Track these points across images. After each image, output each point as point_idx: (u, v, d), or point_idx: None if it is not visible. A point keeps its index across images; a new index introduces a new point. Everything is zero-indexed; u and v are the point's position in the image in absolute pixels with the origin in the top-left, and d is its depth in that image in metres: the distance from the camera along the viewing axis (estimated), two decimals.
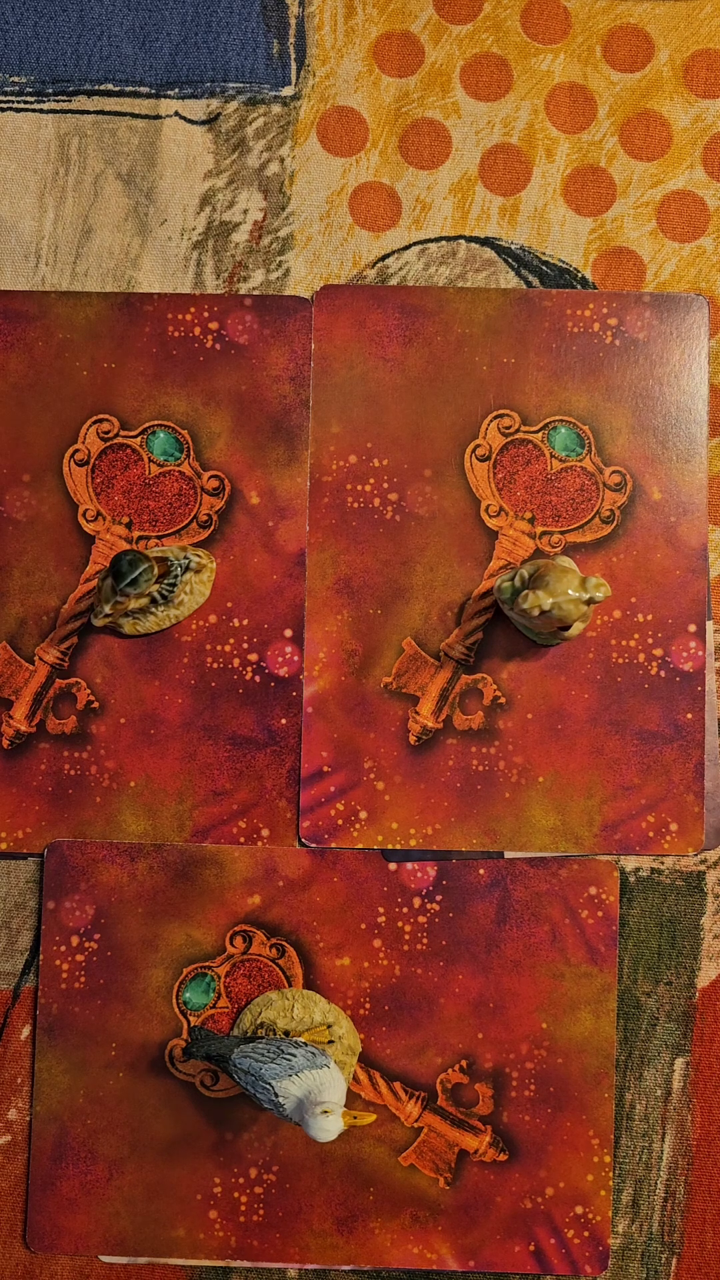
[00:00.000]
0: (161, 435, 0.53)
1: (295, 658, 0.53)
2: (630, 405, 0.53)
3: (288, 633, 0.53)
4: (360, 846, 0.52)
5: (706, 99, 0.53)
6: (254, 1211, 0.52)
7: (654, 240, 0.53)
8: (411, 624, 0.53)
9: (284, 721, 0.53)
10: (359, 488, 0.53)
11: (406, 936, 0.52)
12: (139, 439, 0.53)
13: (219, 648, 0.53)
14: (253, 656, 0.53)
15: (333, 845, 0.52)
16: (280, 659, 0.53)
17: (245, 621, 0.53)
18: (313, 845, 0.52)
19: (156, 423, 0.53)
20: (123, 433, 0.53)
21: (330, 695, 0.52)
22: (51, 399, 0.53)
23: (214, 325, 0.53)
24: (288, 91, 0.54)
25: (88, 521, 0.53)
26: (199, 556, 0.52)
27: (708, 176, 0.53)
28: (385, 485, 0.53)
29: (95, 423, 0.53)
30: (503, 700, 0.53)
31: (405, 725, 0.53)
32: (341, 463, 0.53)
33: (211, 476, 0.53)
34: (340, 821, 0.52)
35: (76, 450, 0.53)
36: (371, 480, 0.53)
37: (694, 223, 0.53)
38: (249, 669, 0.53)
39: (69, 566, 0.53)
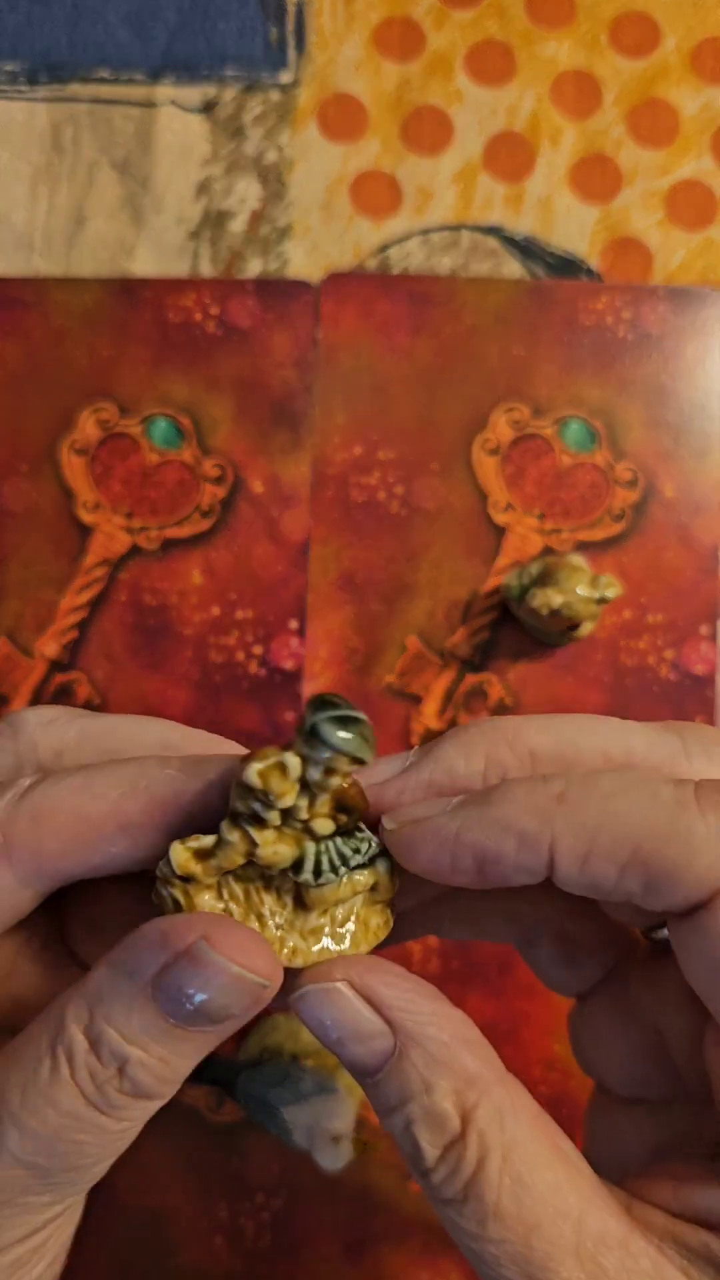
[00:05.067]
0: (162, 422, 0.52)
1: (301, 650, 0.51)
2: (643, 400, 0.52)
3: (293, 624, 0.51)
4: None
5: (715, 86, 0.53)
6: (261, 1238, 0.50)
7: (661, 230, 0.52)
8: (416, 621, 0.51)
9: (289, 716, 0.51)
10: (363, 480, 0.52)
11: (418, 958, 0.51)
12: (139, 427, 0.52)
13: (222, 640, 0.51)
14: (257, 649, 0.51)
15: None
16: (285, 651, 0.51)
17: (249, 613, 0.51)
18: None
19: (156, 410, 0.52)
20: (122, 420, 0.52)
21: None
22: (49, 387, 0.52)
23: (215, 310, 0.52)
24: (286, 78, 0.53)
25: (87, 511, 0.52)
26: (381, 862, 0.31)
27: (716, 165, 0.53)
28: (390, 478, 0.52)
29: (94, 411, 0.52)
30: (509, 701, 0.51)
31: (407, 725, 0.51)
32: (345, 454, 0.52)
33: (214, 464, 0.52)
34: None
35: (75, 439, 0.52)
36: (376, 473, 0.52)
37: (702, 212, 0.53)
38: (253, 662, 0.51)
39: (67, 558, 0.51)
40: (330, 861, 0.27)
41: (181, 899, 0.27)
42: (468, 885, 0.26)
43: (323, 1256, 0.50)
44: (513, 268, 0.52)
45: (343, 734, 0.25)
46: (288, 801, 0.26)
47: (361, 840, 0.28)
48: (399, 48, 0.53)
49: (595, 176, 0.53)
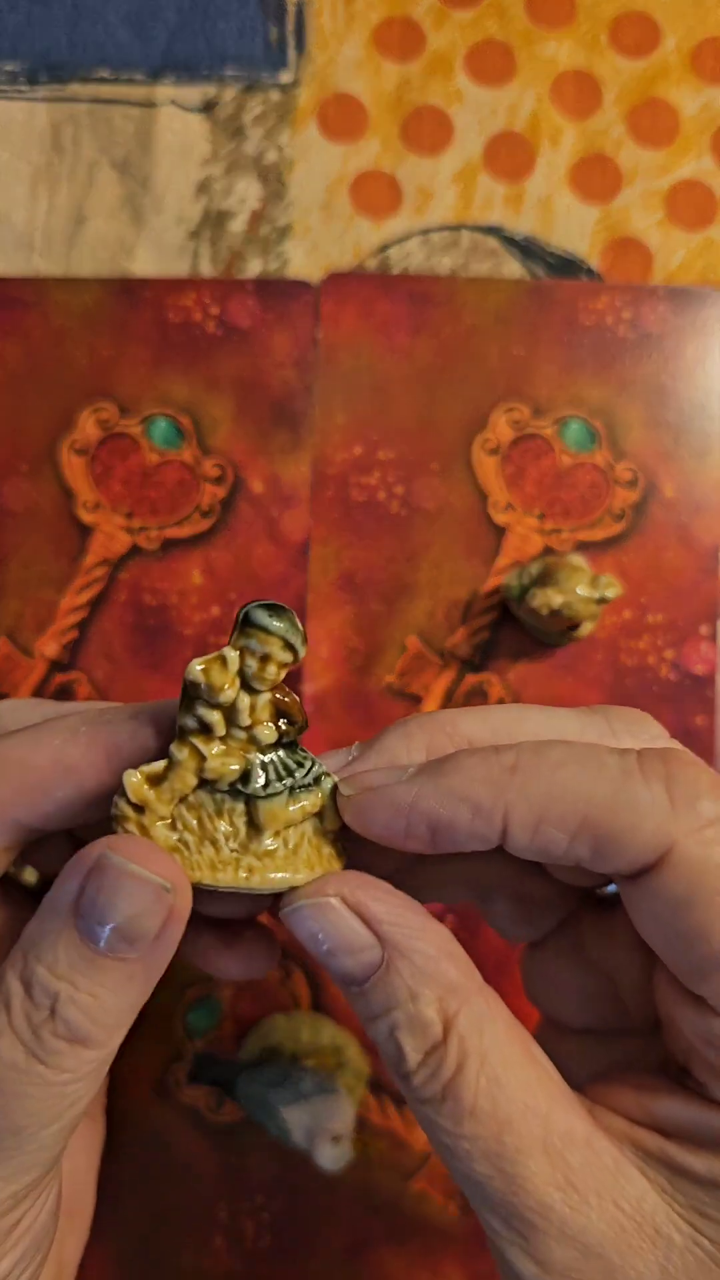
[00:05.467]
0: (162, 422, 0.52)
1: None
2: (643, 400, 0.52)
3: None
4: None
5: (715, 86, 0.53)
6: (261, 1239, 0.50)
7: (661, 230, 0.52)
8: (416, 622, 0.51)
9: None
10: (363, 480, 0.51)
11: None
12: (139, 427, 0.52)
13: (222, 641, 0.51)
14: None
15: None
16: None
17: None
18: None
19: (156, 410, 0.52)
20: (122, 420, 0.52)
21: (331, 694, 0.51)
22: (49, 387, 0.52)
23: (215, 310, 0.52)
24: (286, 78, 0.53)
25: (87, 511, 0.52)
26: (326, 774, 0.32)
27: (716, 165, 0.52)
28: (390, 478, 0.51)
29: (94, 411, 0.52)
30: (509, 701, 0.51)
31: None
32: (345, 454, 0.52)
33: (214, 464, 0.52)
34: None
35: (74, 439, 0.52)
36: (376, 473, 0.51)
37: (702, 212, 0.52)
38: None
39: (67, 558, 0.51)
40: (276, 772, 0.29)
41: (136, 832, 0.29)
42: (420, 851, 0.28)
43: (322, 1257, 0.50)
44: (513, 268, 0.52)
45: (274, 620, 0.28)
46: (229, 695, 0.28)
47: (304, 757, 0.30)
48: (399, 48, 0.53)
49: (595, 176, 0.52)
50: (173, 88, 0.53)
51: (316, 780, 0.29)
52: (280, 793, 0.29)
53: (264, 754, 0.29)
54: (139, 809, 0.29)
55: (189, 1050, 0.50)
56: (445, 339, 0.52)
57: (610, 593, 0.46)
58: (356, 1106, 0.49)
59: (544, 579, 0.47)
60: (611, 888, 0.33)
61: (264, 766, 0.29)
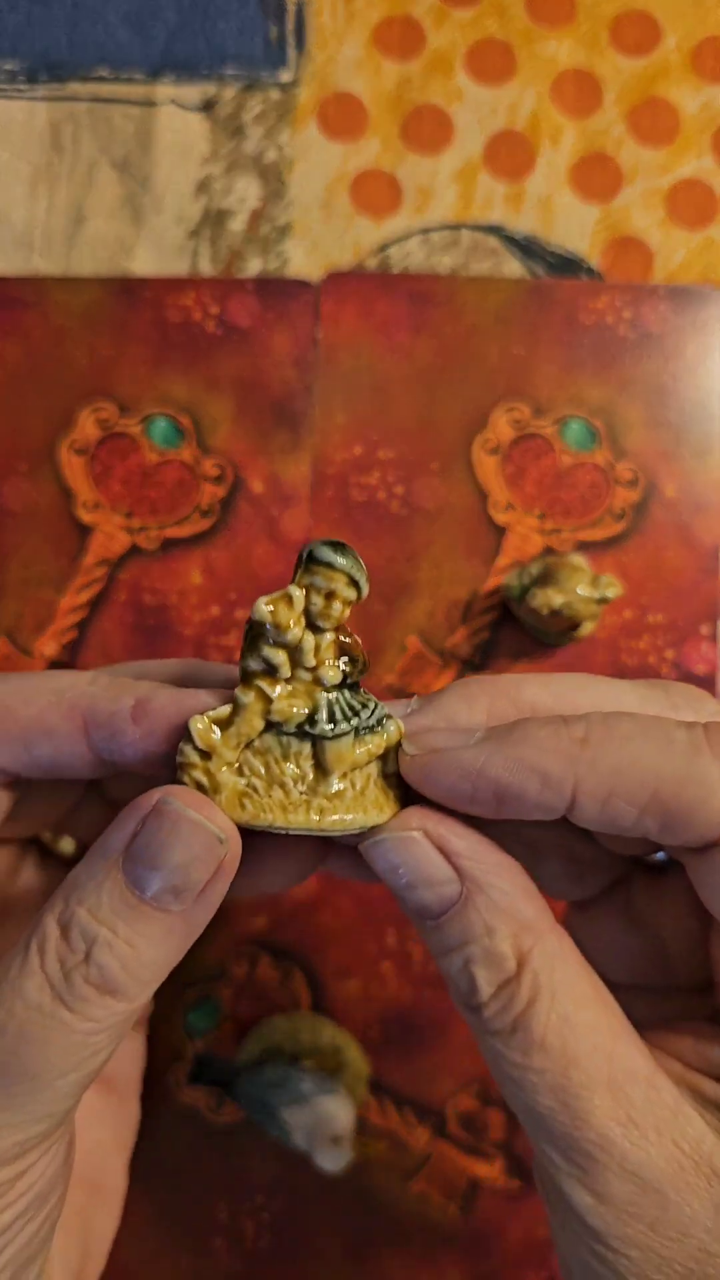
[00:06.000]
0: (162, 422, 0.52)
1: None
2: (644, 400, 0.52)
3: None
4: None
5: (716, 85, 0.52)
6: (261, 1240, 0.50)
7: (662, 229, 0.52)
8: (416, 621, 0.51)
9: None
10: (363, 480, 0.51)
11: (417, 959, 0.50)
12: (138, 426, 0.52)
13: (222, 640, 0.51)
14: None
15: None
16: None
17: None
18: None
19: (156, 409, 0.52)
20: (122, 420, 0.52)
21: None
22: (49, 387, 0.52)
23: (214, 309, 0.52)
24: (286, 77, 0.53)
25: (86, 511, 0.51)
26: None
27: (717, 164, 0.52)
28: (390, 478, 0.51)
29: (93, 410, 0.52)
30: None
31: None
32: (345, 454, 0.51)
33: (214, 464, 0.52)
34: None
35: (74, 439, 0.52)
36: (376, 472, 0.51)
37: (703, 211, 0.52)
38: None
39: (67, 558, 0.51)
40: (342, 712, 0.29)
41: (205, 780, 0.29)
42: (482, 815, 0.28)
43: (323, 1258, 0.49)
44: (513, 267, 0.52)
45: (339, 556, 0.28)
46: (295, 634, 0.28)
47: (366, 698, 0.30)
48: (399, 47, 0.52)
49: (596, 175, 0.52)
50: (172, 87, 0.53)
51: (380, 722, 0.29)
52: (347, 733, 0.29)
53: (329, 695, 0.29)
54: (206, 755, 0.28)
55: (189, 1050, 0.50)
56: (445, 338, 0.52)
57: (610, 593, 0.46)
58: (357, 1107, 0.49)
59: (544, 579, 0.47)
60: (661, 855, 0.33)
61: (330, 706, 0.29)
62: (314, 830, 0.29)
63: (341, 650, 0.29)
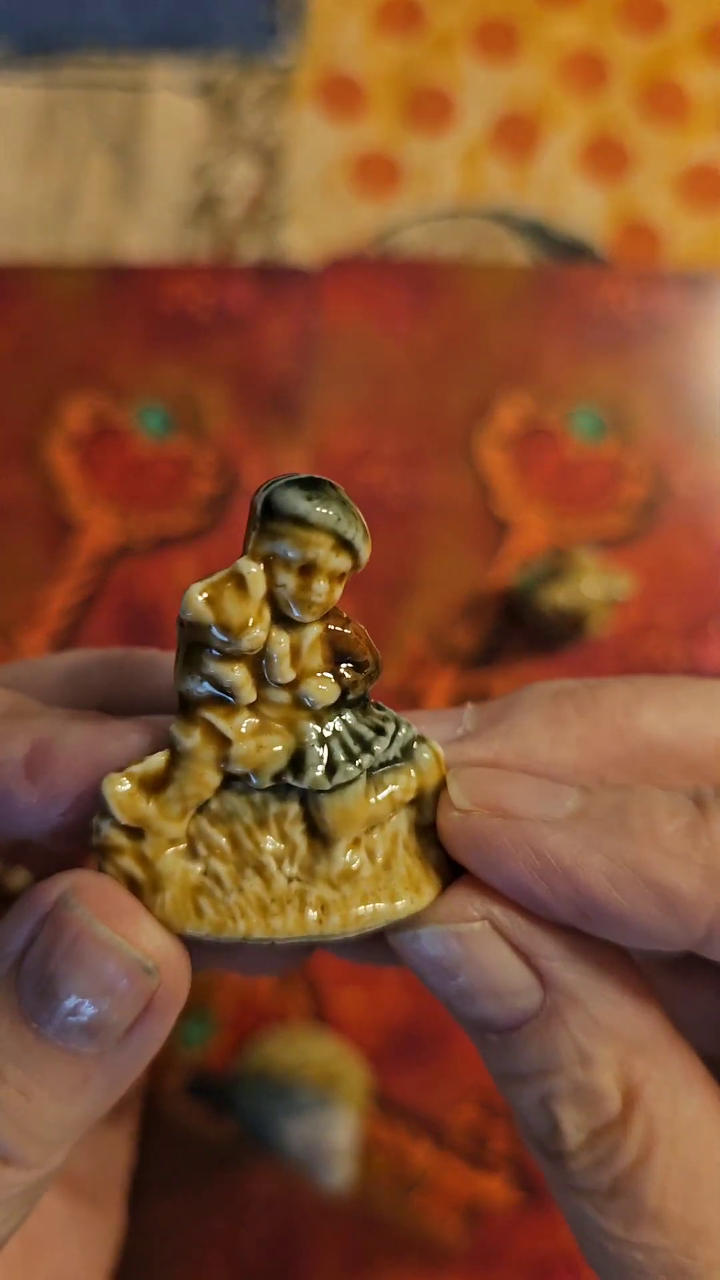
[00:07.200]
0: (155, 413, 0.51)
1: None
2: (653, 390, 0.51)
3: None
4: None
5: None
6: (258, 1255, 0.49)
7: (671, 214, 0.51)
8: (419, 619, 0.50)
9: None
10: (364, 473, 0.50)
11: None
12: (131, 417, 0.51)
13: None
14: None
15: None
16: None
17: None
18: None
19: (149, 399, 0.51)
20: (114, 410, 0.51)
21: None
22: (39, 376, 0.51)
23: (210, 296, 0.51)
24: (284, 59, 0.52)
25: (77, 505, 0.51)
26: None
27: None
28: (392, 471, 0.50)
29: (85, 400, 0.51)
30: None
31: None
32: (345, 446, 0.51)
33: (209, 456, 0.51)
34: None
35: (66, 431, 0.51)
36: (377, 465, 0.50)
37: (713, 196, 0.51)
38: None
39: (57, 554, 0.50)
40: (345, 747, 0.19)
41: (138, 871, 0.19)
42: (554, 920, 0.20)
43: (321, 1273, 0.49)
44: (518, 253, 0.51)
45: (317, 505, 0.18)
46: (255, 637, 0.18)
47: (383, 717, 0.20)
48: (400, 27, 0.52)
49: (604, 159, 0.51)
50: (168, 70, 0.52)
51: (406, 751, 0.20)
52: (355, 778, 0.19)
53: (322, 722, 0.19)
54: (136, 833, 0.19)
55: (185, 1062, 0.50)
56: (448, 327, 0.51)
57: (620, 591, 0.45)
58: (356, 1120, 0.49)
59: (551, 576, 0.47)
60: None
61: (324, 741, 0.19)
62: (315, 938, 0.20)
63: (335, 650, 0.19)
